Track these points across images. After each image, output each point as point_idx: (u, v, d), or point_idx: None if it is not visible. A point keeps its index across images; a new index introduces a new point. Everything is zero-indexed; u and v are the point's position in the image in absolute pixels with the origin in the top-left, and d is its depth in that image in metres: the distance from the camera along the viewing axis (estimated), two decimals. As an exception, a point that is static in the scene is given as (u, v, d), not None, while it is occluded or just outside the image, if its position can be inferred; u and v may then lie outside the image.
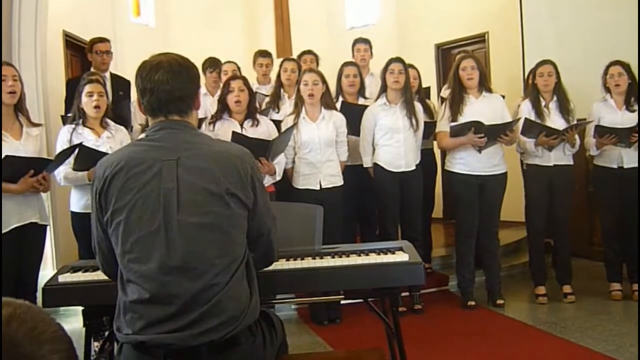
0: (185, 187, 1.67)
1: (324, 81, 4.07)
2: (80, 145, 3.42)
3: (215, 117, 3.99)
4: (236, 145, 1.90)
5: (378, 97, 4.32)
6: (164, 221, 1.64)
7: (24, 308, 0.79)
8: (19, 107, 3.39)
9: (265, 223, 1.84)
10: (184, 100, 1.77)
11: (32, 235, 3.36)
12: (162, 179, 1.67)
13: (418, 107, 4.34)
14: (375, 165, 4.29)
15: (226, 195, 1.68)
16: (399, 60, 4.25)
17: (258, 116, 3.99)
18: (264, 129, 3.94)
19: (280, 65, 4.82)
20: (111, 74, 4.86)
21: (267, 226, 1.84)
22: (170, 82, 1.72)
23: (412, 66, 4.57)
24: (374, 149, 4.31)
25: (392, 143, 4.23)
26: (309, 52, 5.19)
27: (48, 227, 3.61)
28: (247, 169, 1.74)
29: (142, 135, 1.92)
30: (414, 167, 4.30)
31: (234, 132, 3.65)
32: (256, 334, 1.73)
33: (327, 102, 4.11)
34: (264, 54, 5.35)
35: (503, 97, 4.46)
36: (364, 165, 4.34)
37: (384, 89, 4.28)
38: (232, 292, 1.66)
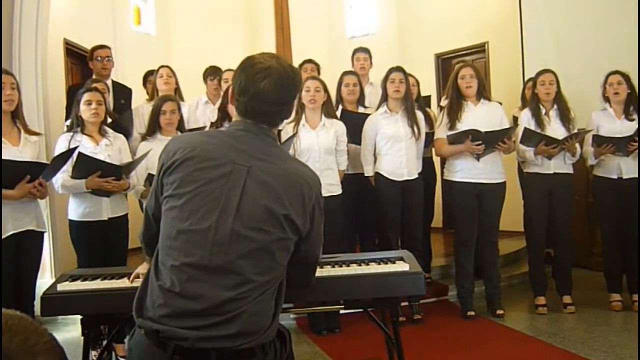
0: (248, 198, 1.63)
1: (326, 90, 4.09)
2: (76, 151, 3.41)
3: (216, 125, 3.98)
4: (307, 168, 1.83)
5: (379, 106, 4.32)
6: (216, 223, 1.61)
7: (15, 319, 0.78)
8: (16, 114, 3.41)
9: (314, 252, 1.81)
10: (281, 113, 1.75)
11: (29, 242, 3.33)
12: (228, 181, 1.64)
13: (420, 115, 4.34)
14: (377, 174, 4.29)
15: (284, 219, 1.64)
16: (399, 69, 4.27)
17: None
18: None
19: None
20: (113, 82, 4.88)
21: (314, 256, 1.82)
22: (274, 95, 1.68)
23: (410, 74, 4.56)
24: (375, 158, 4.31)
25: (394, 152, 4.23)
26: (310, 61, 5.21)
27: (46, 235, 3.59)
28: (312, 196, 1.71)
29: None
30: (415, 176, 4.31)
31: None
32: (268, 350, 1.71)
33: (328, 110, 4.12)
34: None
35: (500, 104, 4.47)
36: (365, 174, 4.33)
37: (384, 98, 4.28)
38: (258, 307, 1.64)
